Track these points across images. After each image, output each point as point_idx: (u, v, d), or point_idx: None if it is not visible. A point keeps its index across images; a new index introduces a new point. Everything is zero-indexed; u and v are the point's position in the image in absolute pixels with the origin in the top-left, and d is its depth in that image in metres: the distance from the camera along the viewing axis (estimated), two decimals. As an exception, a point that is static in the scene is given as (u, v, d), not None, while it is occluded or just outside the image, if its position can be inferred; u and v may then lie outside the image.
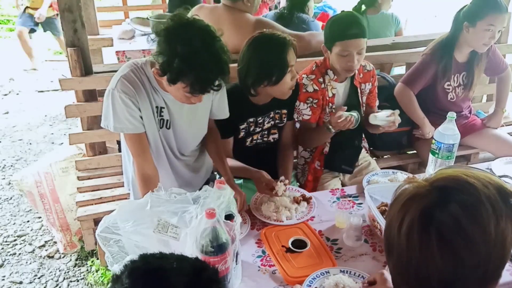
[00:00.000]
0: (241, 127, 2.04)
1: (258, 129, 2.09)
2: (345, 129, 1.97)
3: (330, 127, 2.00)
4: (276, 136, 2.16)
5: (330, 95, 2.13)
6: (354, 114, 1.95)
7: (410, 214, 0.84)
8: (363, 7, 3.33)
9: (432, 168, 1.88)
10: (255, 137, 2.11)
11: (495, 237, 0.80)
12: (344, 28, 1.97)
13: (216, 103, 1.89)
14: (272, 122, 2.11)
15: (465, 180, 0.84)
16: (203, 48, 1.48)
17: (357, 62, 2.00)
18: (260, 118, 2.06)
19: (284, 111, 2.11)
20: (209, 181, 2.15)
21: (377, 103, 2.35)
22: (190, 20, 1.54)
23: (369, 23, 3.23)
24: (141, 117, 1.70)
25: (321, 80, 2.10)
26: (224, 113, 1.94)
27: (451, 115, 1.87)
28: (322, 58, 2.17)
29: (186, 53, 1.47)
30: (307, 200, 1.85)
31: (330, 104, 2.14)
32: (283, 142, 2.19)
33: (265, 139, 2.14)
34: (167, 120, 1.78)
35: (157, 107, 1.73)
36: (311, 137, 2.19)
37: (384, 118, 2.02)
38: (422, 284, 0.85)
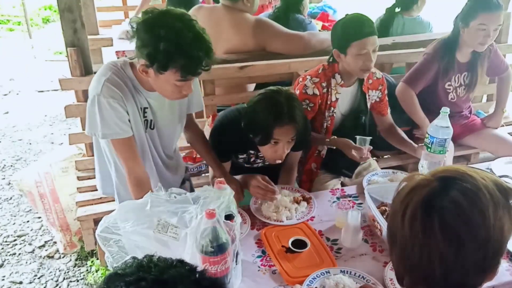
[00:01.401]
0: (241, 156, 2.01)
1: (258, 160, 2.05)
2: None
3: (330, 143, 2.03)
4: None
5: (333, 99, 2.11)
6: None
7: (412, 203, 0.88)
8: (397, 9, 3.22)
9: (425, 162, 1.89)
10: (254, 165, 2.08)
11: (493, 222, 0.84)
12: (358, 27, 1.97)
13: (191, 96, 1.84)
14: None
15: (464, 171, 0.89)
16: (185, 28, 1.48)
17: (374, 59, 2.00)
18: (260, 153, 1.95)
19: None
20: (185, 180, 2.12)
21: (389, 110, 2.32)
22: (164, 9, 1.55)
23: (405, 24, 3.19)
24: (129, 120, 1.67)
25: (324, 84, 2.08)
26: (200, 104, 1.93)
27: (445, 110, 1.87)
28: (326, 58, 2.13)
29: (171, 35, 1.46)
30: (307, 200, 1.85)
31: (332, 108, 2.12)
32: (289, 165, 2.10)
33: (266, 163, 2.05)
34: (151, 120, 1.75)
35: (141, 108, 1.70)
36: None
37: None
38: (425, 271, 0.88)
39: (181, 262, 0.72)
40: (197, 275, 0.69)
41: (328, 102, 2.12)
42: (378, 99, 2.25)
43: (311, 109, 2.10)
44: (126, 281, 0.66)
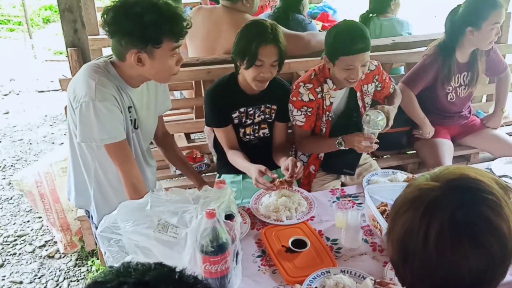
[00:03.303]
0: (234, 115, 2.09)
1: (249, 121, 2.13)
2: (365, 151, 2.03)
3: (343, 143, 2.00)
4: (266, 131, 2.19)
5: (328, 103, 2.11)
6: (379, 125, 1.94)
7: (436, 220, 0.84)
8: (371, 15, 3.29)
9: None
10: (247, 131, 2.15)
11: None
12: (349, 43, 1.90)
13: (160, 96, 1.89)
14: (263, 116, 2.14)
15: (475, 178, 0.87)
16: None
17: (361, 74, 1.97)
18: (251, 109, 2.09)
19: (274, 107, 2.14)
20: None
21: (391, 89, 2.30)
22: None
23: (382, 25, 3.23)
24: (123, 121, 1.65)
25: (318, 89, 2.08)
26: (166, 105, 1.97)
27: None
28: (320, 64, 2.12)
29: (148, 8, 1.48)
30: (307, 200, 1.85)
31: (328, 113, 2.14)
32: (279, 142, 2.19)
33: (256, 134, 2.18)
34: (135, 120, 1.74)
35: (127, 107, 1.68)
36: (315, 145, 2.20)
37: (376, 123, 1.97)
38: (450, 285, 0.86)
39: (160, 264, 0.71)
40: (177, 275, 0.69)
41: (324, 107, 2.12)
42: (379, 88, 2.24)
43: (311, 114, 2.10)
44: (107, 287, 0.65)
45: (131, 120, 1.72)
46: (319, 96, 2.09)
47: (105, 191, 1.78)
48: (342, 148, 2.02)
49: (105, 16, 1.51)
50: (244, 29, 1.97)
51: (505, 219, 0.83)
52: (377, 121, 1.93)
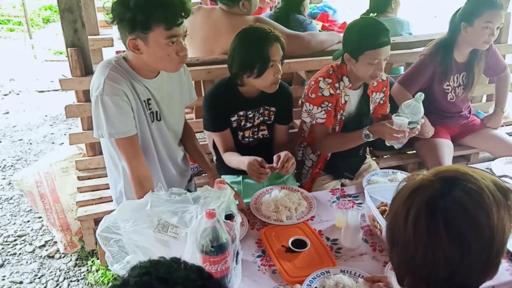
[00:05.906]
0: (232, 119, 2.08)
1: (248, 124, 2.12)
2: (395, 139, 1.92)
3: (370, 135, 1.95)
4: (265, 132, 2.19)
5: (343, 101, 2.10)
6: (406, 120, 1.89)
7: (416, 204, 0.87)
8: (372, 14, 3.30)
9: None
10: (246, 134, 2.14)
11: (497, 222, 0.84)
12: (375, 36, 1.92)
13: (186, 86, 1.91)
14: (262, 118, 2.14)
15: (465, 171, 0.89)
16: None
17: (383, 68, 1.99)
18: (250, 112, 2.08)
19: (273, 109, 2.13)
20: (191, 177, 2.15)
21: (388, 109, 2.33)
22: None
23: None
24: (134, 117, 1.67)
25: (337, 85, 2.07)
26: (192, 96, 1.98)
27: (419, 96, 1.93)
28: (326, 59, 2.13)
29: None
30: (307, 199, 1.85)
31: (342, 111, 2.12)
32: (281, 143, 2.19)
33: (256, 136, 2.18)
34: (157, 112, 1.75)
35: (144, 100, 1.70)
36: (340, 141, 2.13)
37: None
38: (429, 272, 0.88)
39: (200, 270, 0.72)
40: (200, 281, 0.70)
41: (340, 105, 2.11)
42: (382, 102, 2.25)
43: (331, 109, 2.07)
44: (138, 272, 0.70)
45: (151, 112, 1.73)
46: (337, 91, 2.08)
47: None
48: (370, 139, 1.98)
49: (111, 5, 1.54)
50: (243, 40, 1.93)
51: (484, 208, 0.84)
52: (419, 107, 1.91)
